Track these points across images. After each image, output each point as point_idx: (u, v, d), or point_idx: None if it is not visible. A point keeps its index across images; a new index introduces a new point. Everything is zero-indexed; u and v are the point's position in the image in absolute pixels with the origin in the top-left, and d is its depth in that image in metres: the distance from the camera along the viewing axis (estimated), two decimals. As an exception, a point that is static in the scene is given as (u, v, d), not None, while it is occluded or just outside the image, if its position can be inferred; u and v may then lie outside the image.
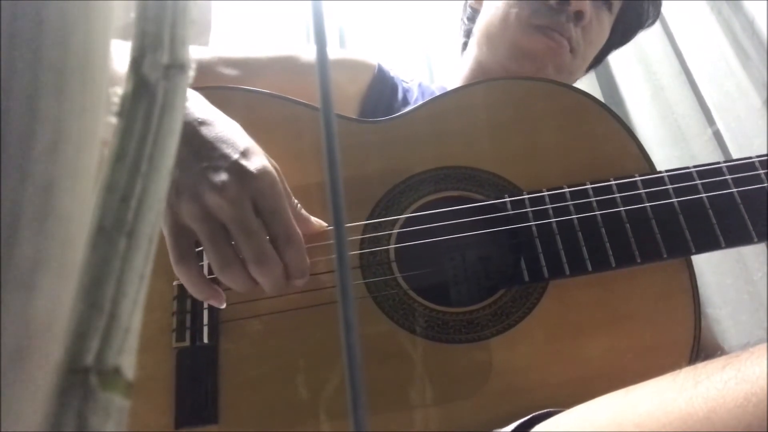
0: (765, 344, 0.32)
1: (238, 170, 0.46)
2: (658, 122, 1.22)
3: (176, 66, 0.16)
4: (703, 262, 1.06)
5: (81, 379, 0.14)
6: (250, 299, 0.53)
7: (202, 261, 0.53)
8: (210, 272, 0.50)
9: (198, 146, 0.47)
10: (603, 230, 0.54)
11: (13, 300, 0.13)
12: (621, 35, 0.86)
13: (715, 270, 1.07)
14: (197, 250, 0.49)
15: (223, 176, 0.46)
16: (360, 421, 0.15)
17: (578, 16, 0.73)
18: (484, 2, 0.82)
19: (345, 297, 0.16)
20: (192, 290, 0.49)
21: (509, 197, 0.56)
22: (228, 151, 0.47)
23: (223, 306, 0.51)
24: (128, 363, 0.14)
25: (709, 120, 1.18)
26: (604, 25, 0.80)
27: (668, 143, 1.19)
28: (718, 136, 1.15)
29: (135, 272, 0.15)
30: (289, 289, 0.50)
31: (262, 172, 0.47)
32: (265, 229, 0.47)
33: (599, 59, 0.88)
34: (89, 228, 0.15)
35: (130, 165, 0.15)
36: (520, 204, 0.55)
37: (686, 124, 1.20)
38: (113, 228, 0.15)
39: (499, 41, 0.77)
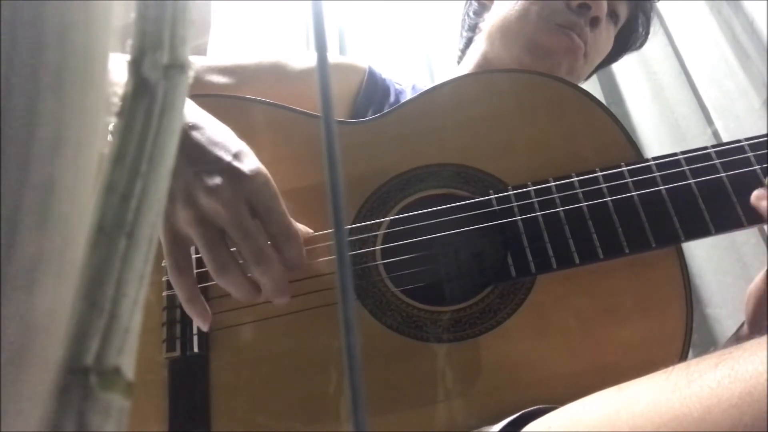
0: (757, 341, 0.32)
1: (231, 172, 0.46)
2: (658, 122, 1.22)
3: (176, 66, 0.16)
4: (703, 262, 1.06)
5: (81, 379, 0.14)
6: (240, 306, 0.53)
7: (197, 268, 0.53)
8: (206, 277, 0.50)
9: (190, 151, 0.47)
10: (590, 222, 0.53)
11: (13, 300, 0.13)
12: (611, 55, 0.88)
13: (715, 269, 1.06)
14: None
15: (216, 179, 0.46)
16: (360, 422, 0.15)
17: (594, 22, 0.75)
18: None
19: (345, 297, 0.16)
20: (183, 303, 0.49)
21: (494, 193, 0.55)
22: (220, 153, 0.47)
23: (206, 329, 0.51)
24: (128, 363, 0.14)
25: (708, 120, 1.18)
26: (610, 35, 0.82)
27: (668, 143, 1.19)
28: (717, 136, 1.15)
29: (135, 272, 0.15)
30: (286, 296, 0.50)
31: (256, 173, 0.47)
32: (262, 230, 0.47)
33: (592, 72, 0.89)
34: (89, 228, 0.15)
35: (130, 165, 0.15)
36: (505, 200, 0.55)
37: (686, 124, 1.20)
38: (113, 228, 0.15)
39: (515, 37, 0.77)
